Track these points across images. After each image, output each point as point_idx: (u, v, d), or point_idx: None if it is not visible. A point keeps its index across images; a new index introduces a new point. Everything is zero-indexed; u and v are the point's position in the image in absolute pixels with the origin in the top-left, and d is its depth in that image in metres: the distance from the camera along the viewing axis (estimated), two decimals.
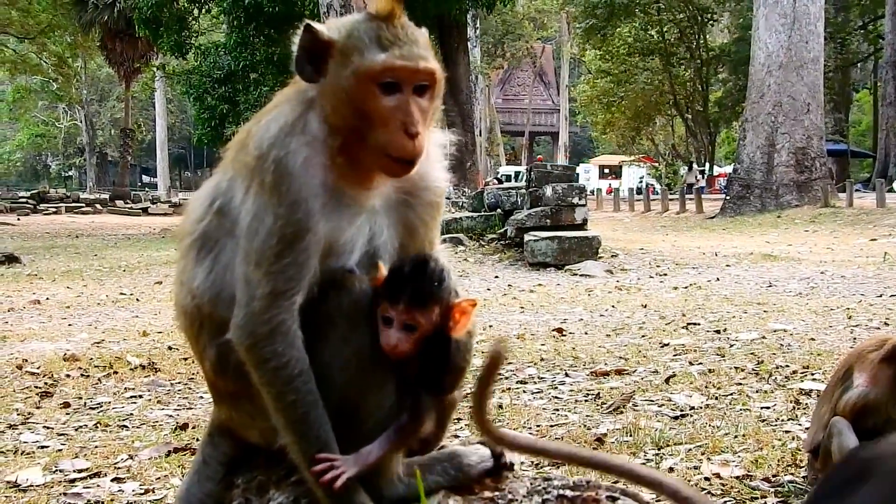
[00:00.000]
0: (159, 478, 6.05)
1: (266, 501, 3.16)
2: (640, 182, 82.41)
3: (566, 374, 9.17)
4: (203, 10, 43.64)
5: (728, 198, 45.10)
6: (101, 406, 8.30)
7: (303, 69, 3.18)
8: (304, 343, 3.12)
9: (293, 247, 3.07)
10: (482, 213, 26.31)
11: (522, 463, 6.11)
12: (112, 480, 6.01)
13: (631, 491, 3.06)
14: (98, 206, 64.33)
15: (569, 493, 2.97)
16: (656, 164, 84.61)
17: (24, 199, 63.15)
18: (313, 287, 3.16)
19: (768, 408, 7.63)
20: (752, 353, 9.88)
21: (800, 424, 6.93)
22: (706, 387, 8.40)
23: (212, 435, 3.54)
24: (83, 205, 63.96)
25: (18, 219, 52.87)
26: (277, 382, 3.08)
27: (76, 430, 7.45)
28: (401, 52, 3.17)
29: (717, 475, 5.77)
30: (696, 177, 71.60)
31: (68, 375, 9.49)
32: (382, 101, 3.14)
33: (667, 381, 8.66)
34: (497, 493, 3.07)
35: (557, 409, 7.78)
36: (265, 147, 3.14)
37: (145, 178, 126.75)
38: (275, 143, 3.13)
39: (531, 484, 3.09)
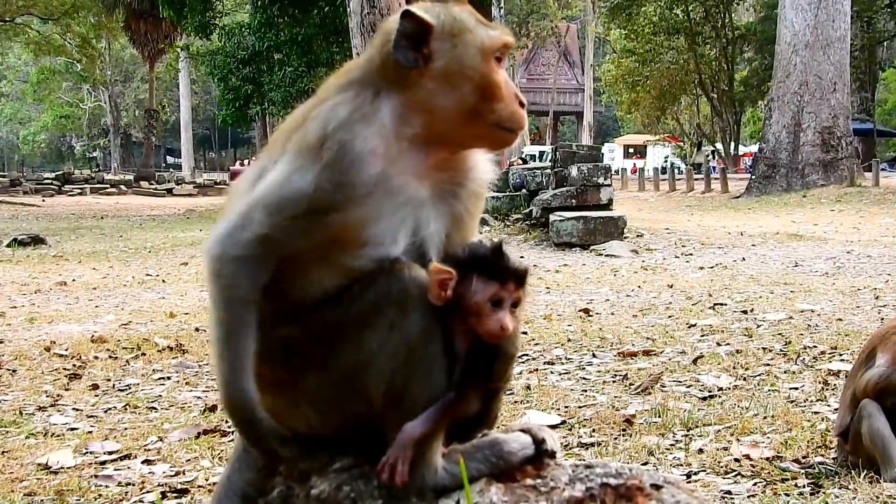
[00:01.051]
0: (189, 459, 6.08)
1: (308, 489, 3.16)
2: (665, 162, 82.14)
3: (593, 355, 9.17)
4: None
5: (753, 177, 44.92)
6: (130, 388, 8.33)
7: (406, 55, 3.23)
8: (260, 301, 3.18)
9: (315, 218, 3.11)
10: (507, 194, 26.29)
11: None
12: (142, 462, 6.04)
13: (673, 478, 3.06)
14: (122, 187, 64.53)
15: (612, 480, 2.97)
16: (681, 144, 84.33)
17: (48, 181, 63.34)
18: (356, 274, 3.18)
19: (797, 388, 7.61)
20: (779, 334, 9.85)
21: (828, 405, 6.91)
22: (734, 367, 8.39)
23: None
24: (108, 186, 64.16)
25: (44, 200, 53.10)
26: (221, 298, 3.16)
27: (105, 412, 7.49)
28: (502, 29, 3.34)
29: (747, 456, 5.76)
30: (705, 157, 71.48)
31: (96, 357, 9.53)
32: (500, 75, 3.26)
33: (694, 361, 8.66)
34: (539, 481, 3.07)
35: (585, 390, 7.78)
36: (331, 128, 3.18)
37: (170, 159, 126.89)
38: (343, 126, 3.18)
39: (573, 471, 3.08)
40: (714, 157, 73.33)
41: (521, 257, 19.95)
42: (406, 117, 3.24)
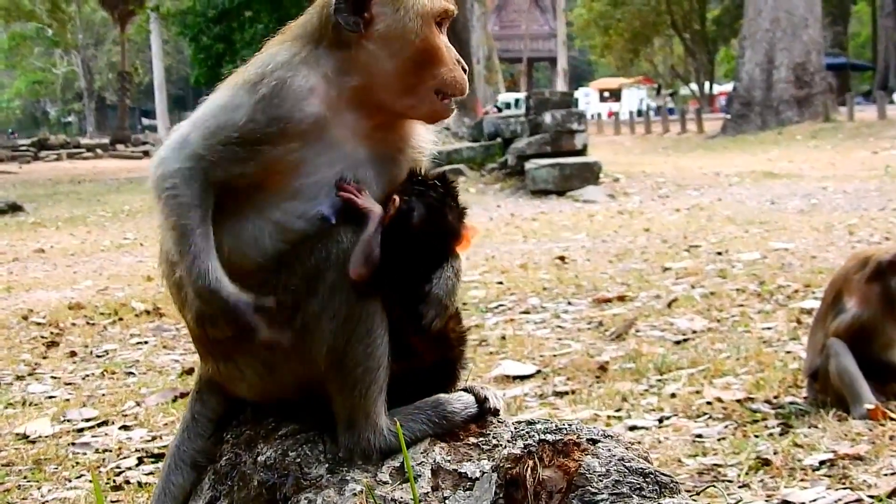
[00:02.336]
0: (166, 424, 6.10)
1: (255, 455, 3.19)
2: (641, 104, 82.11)
3: (569, 303, 9.21)
4: None
5: (729, 117, 44.97)
6: (108, 353, 8.34)
7: (346, 19, 3.26)
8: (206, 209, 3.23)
9: (247, 147, 3.18)
10: (482, 143, 26.27)
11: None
12: (120, 428, 6.05)
13: (612, 432, 3.09)
14: (99, 150, 64.18)
15: (550, 437, 3.00)
16: (656, 86, 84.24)
17: (24, 147, 62.97)
18: (293, 237, 3.21)
19: (770, 328, 7.66)
20: (753, 274, 9.90)
21: (801, 344, 6.95)
22: (708, 310, 8.43)
23: (200, 392, 3.57)
24: (84, 150, 63.79)
25: (20, 167, 52.79)
26: (168, 207, 3.20)
27: (83, 378, 7.49)
28: None
29: (719, 399, 5.80)
30: (664, 100, 71.82)
31: (74, 324, 9.53)
32: (440, 40, 3.29)
33: (669, 305, 8.70)
34: (482, 439, 3.11)
35: (561, 339, 7.82)
36: (270, 67, 3.26)
37: (145, 121, 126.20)
38: (283, 65, 3.27)
39: (515, 429, 3.12)
40: (672, 100, 73.56)
41: (499, 206, 19.94)
42: (347, 72, 3.27)
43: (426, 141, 3.52)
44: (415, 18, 3.26)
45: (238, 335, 3.19)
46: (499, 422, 3.18)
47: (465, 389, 3.33)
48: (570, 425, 3.05)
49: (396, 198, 3.26)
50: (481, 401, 3.26)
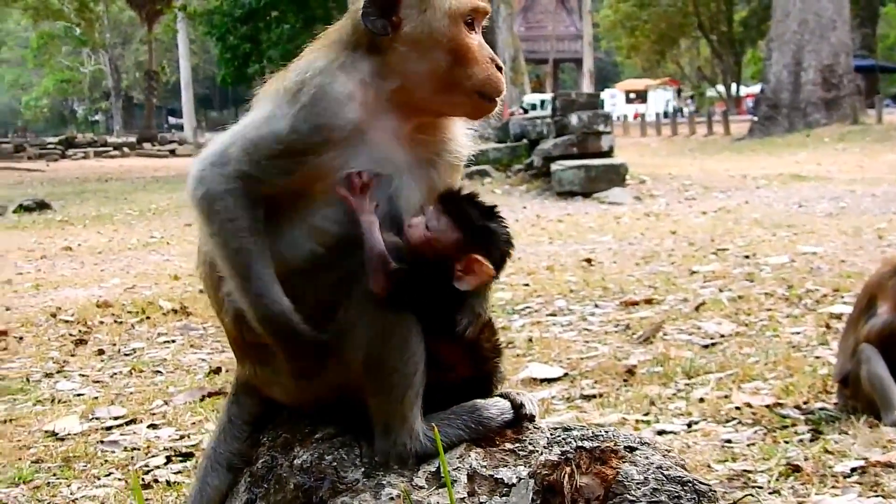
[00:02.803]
0: (194, 423, 6.10)
1: (291, 459, 3.19)
2: (667, 105, 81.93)
3: (596, 305, 9.18)
4: None
5: (756, 119, 44.82)
6: (135, 352, 8.35)
7: (374, 23, 3.26)
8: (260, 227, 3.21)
9: (290, 158, 3.17)
10: (508, 144, 26.22)
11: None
12: (148, 427, 6.06)
13: (648, 439, 3.08)
14: (125, 149, 64.40)
15: (587, 444, 2.99)
16: (682, 87, 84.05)
17: (52, 145, 63.19)
18: (331, 241, 3.21)
19: (798, 333, 7.62)
20: (781, 278, 9.86)
21: (830, 349, 6.91)
22: (736, 314, 8.40)
23: (236, 394, 3.58)
24: (111, 148, 64.02)
25: (47, 164, 53.01)
26: (224, 232, 3.18)
27: (111, 377, 7.51)
28: None
29: (748, 404, 5.77)
30: (686, 102, 71.76)
31: (102, 322, 9.55)
32: (472, 39, 3.27)
33: (696, 308, 8.66)
34: (518, 445, 3.10)
35: (588, 341, 7.80)
36: (309, 74, 3.26)
37: (172, 120, 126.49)
38: (322, 72, 3.27)
39: (551, 435, 3.11)
40: (692, 103, 73.60)
41: (524, 208, 19.92)
42: (383, 76, 3.27)
43: (464, 145, 3.51)
44: (442, 18, 3.25)
45: (287, 358, 3.19)
46: (535, 428, 3.17)
47: (500, 395, 3.32)
48: (606, 432, 3.04)
49: (428, 215, 3.24)
50: (517, 406, 3.25)
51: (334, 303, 3.19)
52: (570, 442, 3.02)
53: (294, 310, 3.14)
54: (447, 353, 3.24)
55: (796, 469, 4.59)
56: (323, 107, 3.17)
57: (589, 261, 11.96)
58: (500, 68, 3.33)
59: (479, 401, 3.28)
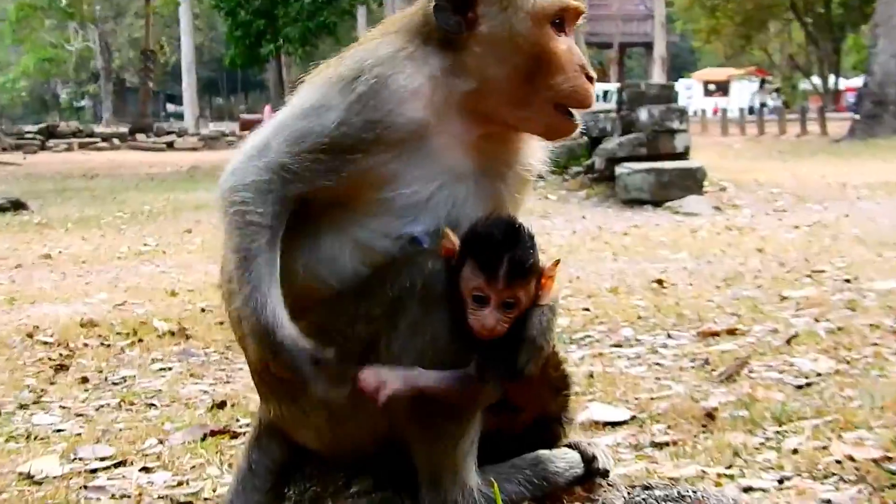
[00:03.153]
0: (194, 466, 6.09)
1: None
2: (752, 100, 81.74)
3: (668, 335, 9.14)
4: None
5: (858, 117, 44.60)
6: (125, 381, 8.37)
7: (448, 21, 3.27)
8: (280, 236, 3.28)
9: (335, 155, 3.17)
10: (565, 143, 26.17)
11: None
12: (139, 470, 6.05)
13: (734, 497, 3.04)
14: (116, 140, 64.70)
15: None
16: (770, 78, 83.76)
17: (30, 135, 63.50)
18: (374, 258, 3.20)
19: None
20: (889, 307, 9.76)
21: None
22: (835, 348, 8.32)
23: (258, 438, 3.57)
24: (98, 140, 64.34)
25: (24, 157, 53.24)
26: (233, 224, 3.26)
27: (97, 409, 7.52)
28: None
29: (850, 457, 5.70)
30: (770, 95, 71.57)
31: (86, 344, 9.58)
32: (558, 43, 3.27)
33: (788, 342, 8.59)
34: None
35: (659, 378, 7.75)
36: (370, 61, 3.29)
37: (170, 108, 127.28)
38: (386, 61, 3.30)
39: (629, 494, 3.08)
40: (777, 97, 73.44)
41: (584, 217, 19.91)
42: (457, 75, 3.27)
43: (537, 157, 3.50)
44: (524, 19, 3.27)
45: (295, 385, 3.18)
46: (608, 485, 3.14)
47: (569, 445, 3.30)
48: (694, 492, 3.01)
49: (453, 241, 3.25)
50: (588, 460, 3.23)
51: (377, 333, 3.17)
52: (651, 502, 2.99)
53: (291, 323, 3.14)
54: (508, 393, 3.23)
55: None
56: (382, 100, 3.18)
57: (660, 282, 11.91)
58: (591, 79, 3.32)
59: (543, 452, 3.27)
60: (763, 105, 69.14)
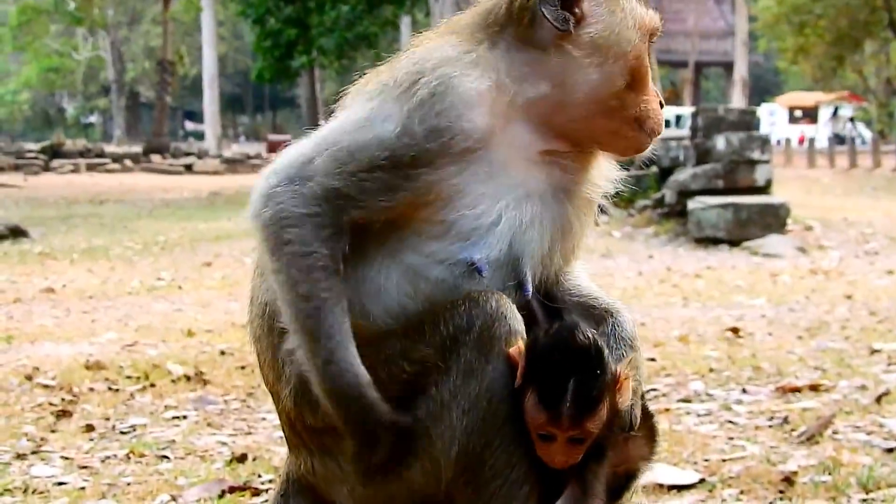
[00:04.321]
0: None
1: None
2: (845, 128, 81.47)
3: (743, 391, 9.13)
4: None
5: None
6: (135, 430, 8.39)
7: (554, 13, 3.32)
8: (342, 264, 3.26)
9: (397, 171, 3.18)
10: (631, 173, 26.06)
11: None
12: None
13: None
14: (128, 161, 65.03)
15: None
16: (865, 105, 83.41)
17: (32, 154, 63.82)
18: (427, 289, 3.22)
19: None
20: None
21: None
22: None
23: (285, 494, 3.58)
24: (108, 160, 64.68)
25: (26, 179, 53.52)
26: (293, 269, 3.23)
27: (102, 461, 7.53)
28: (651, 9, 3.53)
29: None
30: (845, 125, 71.56)
31: (91, 389, 9.62)
32: (648, 62, 3.36)
33: (878, 400, 8.58)
34: None
35: (732, 438, 7.75)
36: (431, 64, 3.31)
37: (189, 126, 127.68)
38: (448, 62, 3.31)
39: None
40: (855, 126, 73.61)
41: (651, 257, 19.93)
42: (531, 79, 3.30)
43: (606, 176, 3.54)
44: (633, 28, 3.32)
45: (357, 445, 3.20)
46: None
47: None
48: None
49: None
50: None
51: (426, 377, 3.19)
52: None
53: (372, 383, 3.14)
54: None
55: None
56: (446, 105, 3.19)
57: (735, 331, 11.91)
58: (662, 105, 3.38)
59: None
60: (838, 136, 69.27)
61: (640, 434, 3.47)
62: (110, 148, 72.46)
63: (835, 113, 78.94)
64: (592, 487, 3.28)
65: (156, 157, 66.81)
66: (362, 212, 3.15)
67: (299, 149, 3.28)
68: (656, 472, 6.83)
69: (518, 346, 3.23)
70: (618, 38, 3.34)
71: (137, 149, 70.30)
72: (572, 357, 3.27)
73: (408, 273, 3.22)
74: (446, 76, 3.19)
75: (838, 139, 65.94)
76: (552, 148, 3.36)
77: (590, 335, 3.34)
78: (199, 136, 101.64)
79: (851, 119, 76.05)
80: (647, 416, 3.55)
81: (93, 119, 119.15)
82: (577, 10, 3.32)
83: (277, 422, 3.60)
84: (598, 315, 3.72)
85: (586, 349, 3.30)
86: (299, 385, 3.26)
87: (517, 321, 3.27)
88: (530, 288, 3.40)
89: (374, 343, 3.18)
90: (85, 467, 7.39)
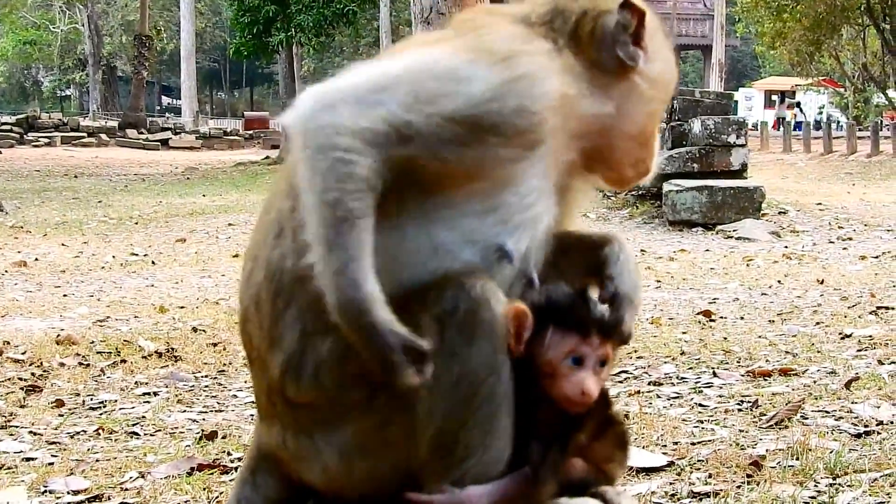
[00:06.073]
0: (178, 503, 6.12)
1: None
2: (820, 114, 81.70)
3: (714, 374, 9.14)
4: None
5: None
6: (105, 406, 8.38)
7: (626, 50, 3.48)
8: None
9: (476, 132, 3.27)
10: None
11: None
12: None
13: None
14: (104, 136, 64.92)
15: None
16: (842, 91, 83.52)
17: (7, 127, 63.67)
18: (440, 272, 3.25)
19: None
20: None
21: None
22: None
23: (253, 470, 3.56)
24: (84, 134, 64.57)
25: (0, 152, 53.38)
26: (330, 174, 3.20)
27: (71, 437, 7.53)
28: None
29: None
30: (796, 112, 72.53)
31: (62, 364, 9.60)
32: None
33: (847, 385, 8.59)
34: None
35: (702, 421, 7.76)
36: (529, 48, 3.43)
37: (166, 101, 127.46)
38: (544, 53, 3.44)
39: None
40: (801, 112, 74.71)
41: (626, 239, 20.07)
42: (596, 97, 3.41)
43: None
44: (672, 69, 3.48)
45: (379, 372, 3.18)
46: None
47: (593, 494, 3.33)
48: None
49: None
50: None
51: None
52: None
53: (384, 303, 3.13)
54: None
55: None
56: (538, 92, 3.27)
57: (708, 314, 11.93)
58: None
59: (563, 500, 3.30)
60: (781, 120, 70.59)
61: (608, 438, 3.49)
62: (86, 122, 72.25)
63: (782, 99, 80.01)
64: (544, 474, 3.29)
65: (132, 132, 66.64)
66: (422, 153, 3.15)
67: (367, 76, 3.25)
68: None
69: (514, 308, 3.28)
70: (668, 77, 3.62)
71: (113, 123, 70.17)
72: (580, 292, 3.47)
73: (435, 249, 3.22)
74: (541, 65, 3.26)
75: (780, 121, 67.37)
76: (573, 158, 3.44)
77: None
78: (176, 111, 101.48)
79: (798, 104, 77.02)
80: (616, 422, 3.57)
81: (69, 92, 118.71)
82: (643, 45, 3.43)
83: (249, 399, 3.61)
84: (599, 240, 3.80)
85: (585, 287, 3.44)
86: (293, 355, 3.25)
87: (502, 306, 3.28)
88: (537, 282, 3.45)
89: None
90: (54, 443, 7.37)
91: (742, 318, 11.86)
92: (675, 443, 7.17)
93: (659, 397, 8.45)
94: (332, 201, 3.11)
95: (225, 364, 9.45)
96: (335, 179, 3.12)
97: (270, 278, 3.36)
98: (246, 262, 3.58)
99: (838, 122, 75.19)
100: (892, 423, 7.55)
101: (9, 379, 9.06)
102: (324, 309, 3.17)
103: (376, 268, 3.16)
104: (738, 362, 9.53)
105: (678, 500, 6.10)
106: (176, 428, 7.76)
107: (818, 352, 9.85)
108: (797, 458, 6.72)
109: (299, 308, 3.30)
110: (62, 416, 8.08)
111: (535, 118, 3.25)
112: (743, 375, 9.07)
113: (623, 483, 6.20)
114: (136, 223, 23.88)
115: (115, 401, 8.51)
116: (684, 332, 10.90)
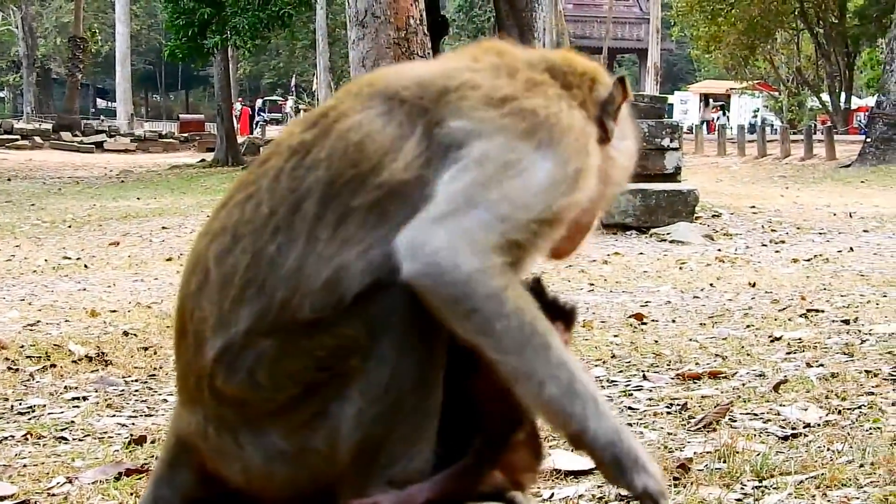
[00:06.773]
0: None
1: None
2: (754, 118, 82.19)
3: (644, 377, 9.17)
4: None
5: (869, 140, 44.79)
6: (33, 410, 8.33)
7: (611, 126, 3.61)
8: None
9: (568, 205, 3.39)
10: None
11: None
12: None
13: None
14: (38, 138, 64.60)
15: None
16: (776, 94, 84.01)
17: None
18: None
19: None
20: (890, 353, 9.80)
21: None
22: (827, 397, 8.36)
23: (171, 464, 3.51)
24: (18, 137, 64.24)
25: None
26: (526, 319, 3.18)
27: None
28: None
29: None
30: (714, 114, 73.77)
31: None
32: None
33: (776, 388, 8.63)
34: None
35: (631, 424, 7.78)
36: (587, 129, 3.53)
37: (101, 103, 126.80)
38: (552, 101, 3.48)
39: None
40: (725, 115, 76.84)
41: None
42: None
43: None
44: (634, 157, 3.68)
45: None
46: None
47: (504, 500, 3.34)
48: None
49: None
50: None
51: (342, 360, 3.18)
52: None
53: None
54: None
55: None
56: (572, 134, 3.42)
57: (640, 317, 11.96)
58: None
59: None
60: (706, 122, 72.08)
61: (528, 446, 3.52)
62: (20, 124, 71.87)
63: (707, 103, 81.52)
64: (486, 467, 3.31)
65: (66, 135, 66.39)
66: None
67: (486, 208, 3.23)
68: (554, 457, 6.86)
69: None
70: (632, 161, 3.80)
71: (48, 126, 69.82)
72: (533, 280, 3.62)
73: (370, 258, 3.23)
74: (559, 114, 3.44)
75: (704, 123, 69.02)
76: None
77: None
78: (111, 113, 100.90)
79: (722, 107, 78.47)
80: (535, 434, 3.59)
81: (2, 95, 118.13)
82: (618, 124, 3.61)
83: (180, 399, 3.52)
84: None
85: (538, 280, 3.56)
86: (234, 346, 3.19)
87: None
88: None
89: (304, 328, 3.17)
90: None
91: (674, 320, 11.90)
92: None
93: None
94: (544, 344, 3.13)
95: (156, 368, 9.42)
96: (532, 320, 3.16)
97: (251, 265, 3.28)
98: (216, 230, 3.42)
99: (772, 125, 75.47)
100: (819, 425, 7.60)
101: None
102: (288, 318, 3.16)
103: (322, 279, 3.17)
104: (668, 365, 9.56)
105: (606, 503, 6.12)
106: (105, 433, 7.72)
107: (748, 354, 9.89)
108: (724, 461, 6.75)
109: (264, 306, 3.25)
110: None
111: (584, 166, 3.43)
112: (673, 378, 9.10)
113: (549, 487, 6.23)
114: (70, 226, 23.74)
115: (44, 405, 8.46)
116: (616, 336, 10.93)
